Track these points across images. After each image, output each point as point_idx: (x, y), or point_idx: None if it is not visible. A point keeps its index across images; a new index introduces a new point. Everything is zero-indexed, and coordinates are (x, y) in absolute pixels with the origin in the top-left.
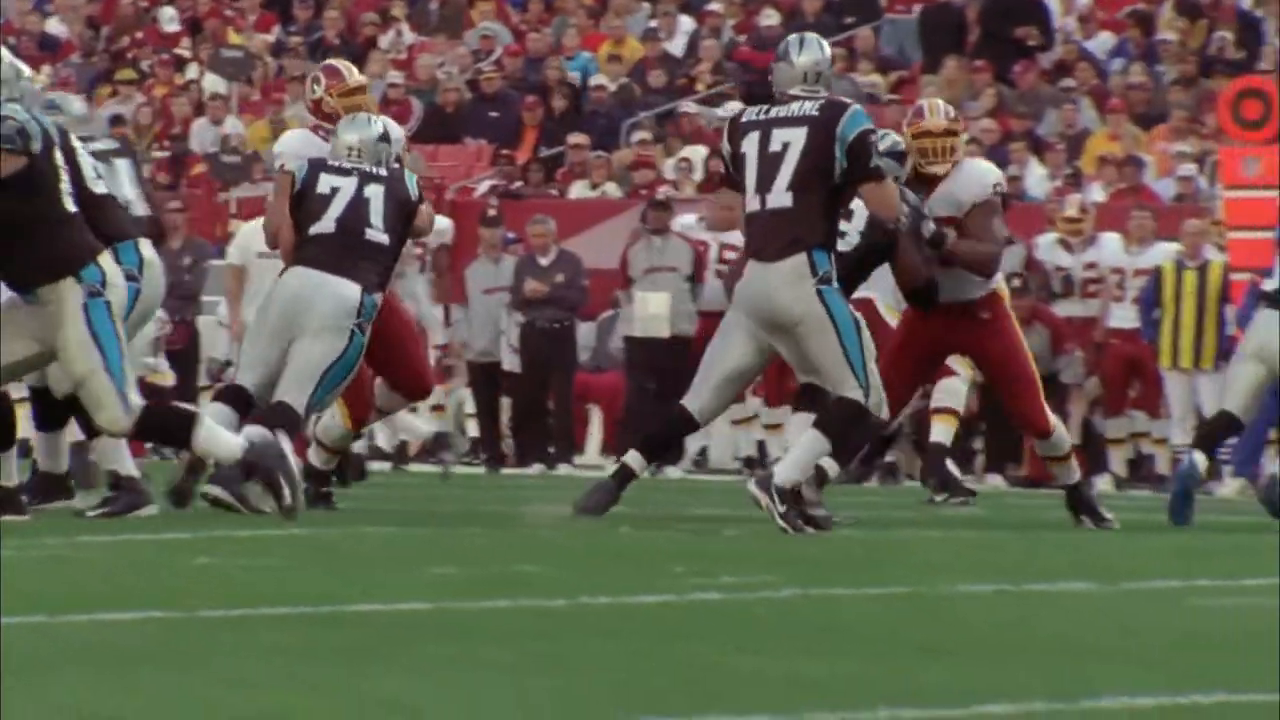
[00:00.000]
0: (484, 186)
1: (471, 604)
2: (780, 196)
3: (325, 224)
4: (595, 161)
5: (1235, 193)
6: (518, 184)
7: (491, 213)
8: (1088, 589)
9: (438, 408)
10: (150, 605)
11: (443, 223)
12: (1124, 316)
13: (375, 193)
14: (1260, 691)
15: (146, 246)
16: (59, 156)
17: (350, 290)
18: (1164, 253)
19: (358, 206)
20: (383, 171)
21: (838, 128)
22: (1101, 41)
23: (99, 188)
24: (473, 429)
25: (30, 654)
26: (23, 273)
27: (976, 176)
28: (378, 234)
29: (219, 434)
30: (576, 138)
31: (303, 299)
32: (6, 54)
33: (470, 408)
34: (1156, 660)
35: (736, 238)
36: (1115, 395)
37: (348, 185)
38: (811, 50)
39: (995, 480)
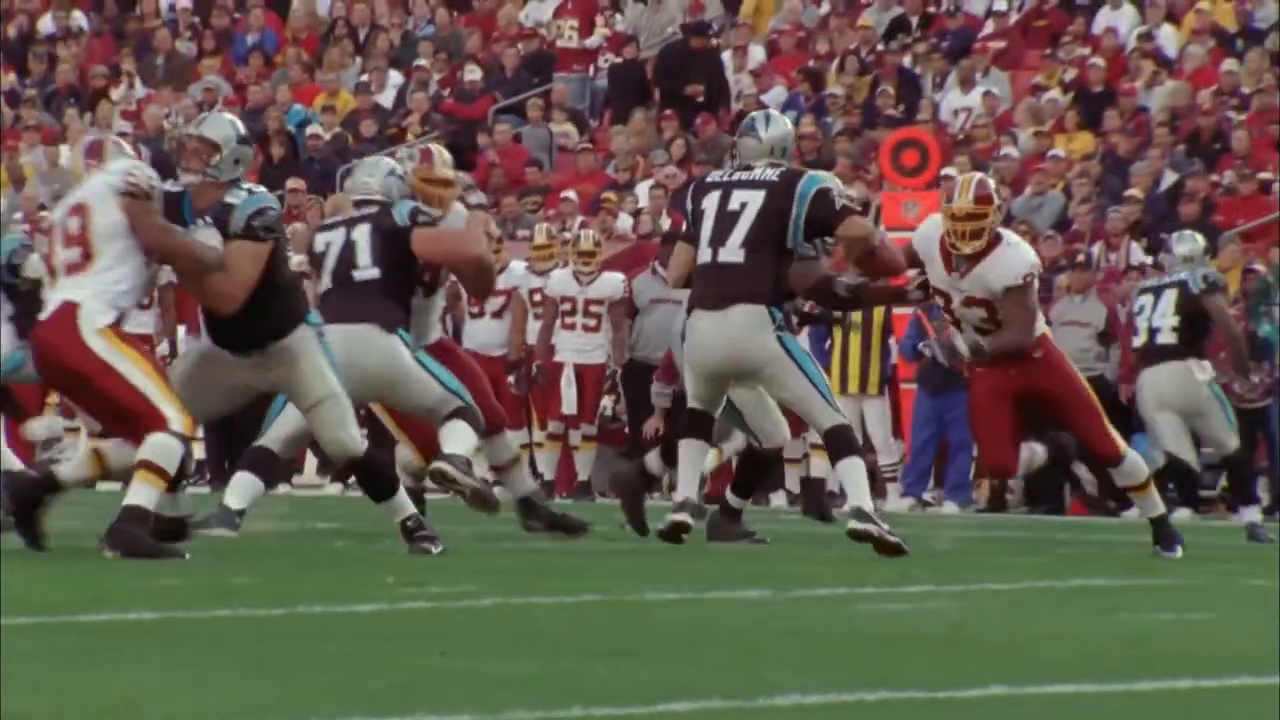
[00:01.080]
0: None
1: (195, 613)
2: (733, 252)
3: (324, 281)
4: (311, 205)
5: (896, 234)
6: None
7: None
8: (763, 596)
9: None
10: None
11: None
12: None
13: (361, 232)
14: (918, 689)
15: None
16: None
17: (379, 338)
18: None
19: (345, 253)
20: (372, 209)
21: (797, 187)
22: (775, 95)
23: None
24: (198, 451)
25: None
26: (270, 330)
27: (1010, 268)
28: (365, 271)
29: (405, 505)
30: (294, 182)
31: (353, 365)
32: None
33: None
34: (825, 660)
35: None
36: (793, 419)
37: (336, 237)
38: (777, 125)
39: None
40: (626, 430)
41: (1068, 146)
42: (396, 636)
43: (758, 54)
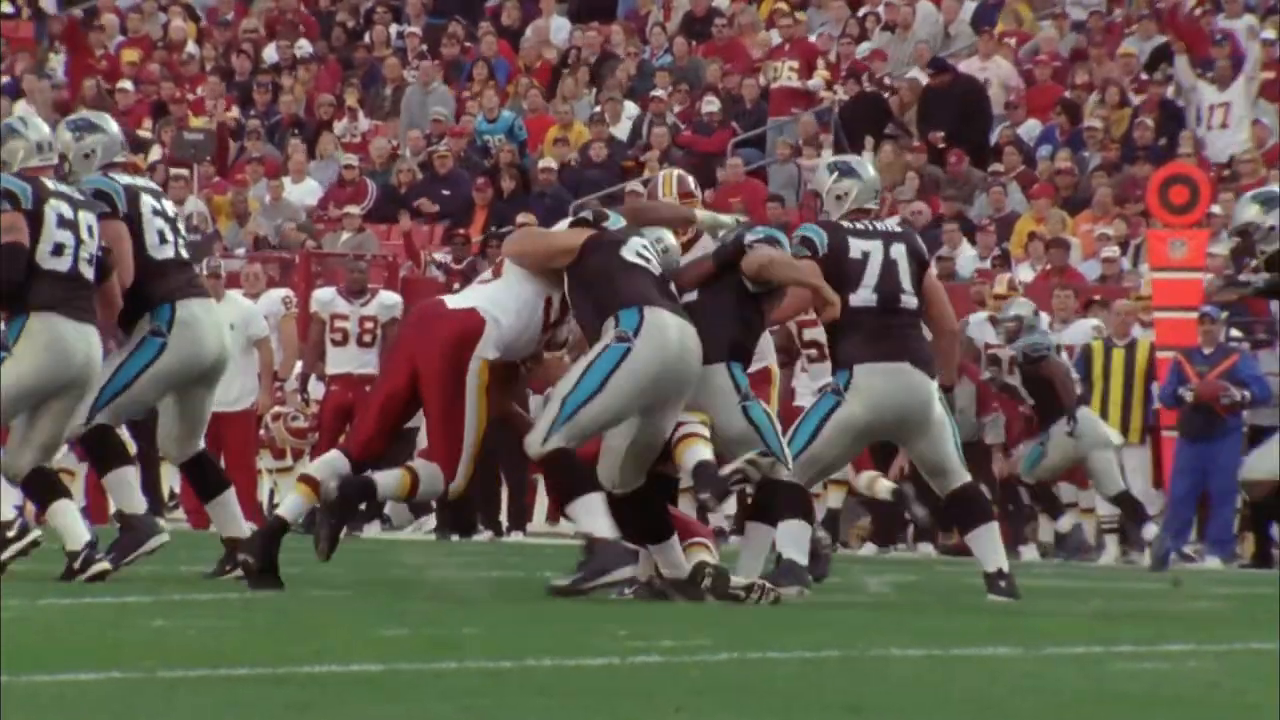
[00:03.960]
0: (435, 262)
1: (420, 665)
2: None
3: (862, 296)
4: None
5: (1162, 274)
6: (468, 260)
7: (457, 287)
8: (1011, 653)
9: None
10: (110, 666)
11: (392, 298)
12: None
13: (900, 252)
14: None
15: (182, 306)
16: None
17: (928, 386)
18: (1084, 330)
19: (890, 272)
20: (896, 227)
21: None
22: (1029, 128)
23: (158, 253)
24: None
25: None
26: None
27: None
28: (908, 299)
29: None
30: (525, 217)
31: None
32: None
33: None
34: None
35: None
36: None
37: (876, 249)
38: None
39: (925, 549)
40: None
41: None
42: (627, 692)
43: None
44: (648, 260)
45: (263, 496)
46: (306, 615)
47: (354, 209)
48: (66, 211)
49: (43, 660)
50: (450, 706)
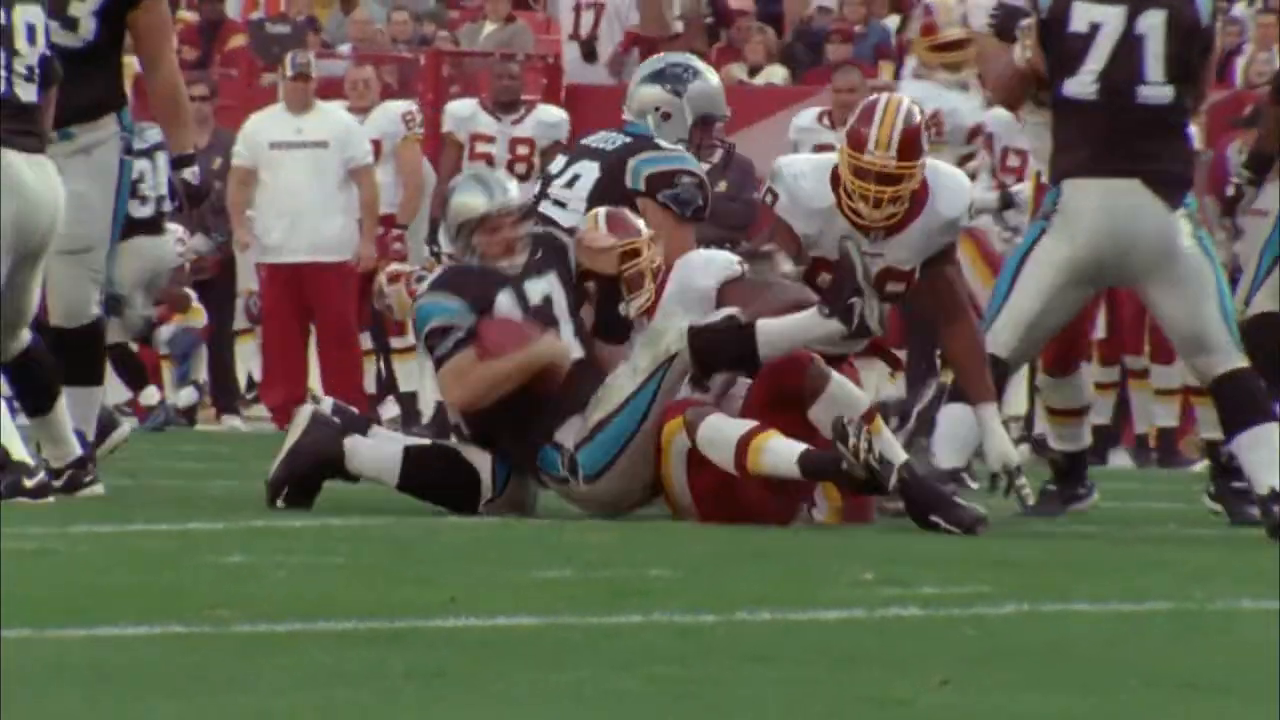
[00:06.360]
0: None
1: (592, 618)
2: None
3: (1081, 82)
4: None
5: None
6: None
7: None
8: None
9: None
10: (167, 618)
11: (554, 114)
12: None
13: (1153, 25)
14: None
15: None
16: None
17: (1163, 218)
18: None
19: (1127, 53)
20: None
21: None
22: None
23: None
24: None
25: (12, 679)
26: None
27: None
28: (1153, 91)
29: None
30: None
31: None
32: None
33: None
34: None
35: None
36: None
37: (1113, 19)
38: None
39: None
40: None
41: None
42: (873, 656)
43: None
44: None
45: (371, 386)
46: (436, 551)
47: None
48: None
49: (76, 610)
50: (632, 676)
